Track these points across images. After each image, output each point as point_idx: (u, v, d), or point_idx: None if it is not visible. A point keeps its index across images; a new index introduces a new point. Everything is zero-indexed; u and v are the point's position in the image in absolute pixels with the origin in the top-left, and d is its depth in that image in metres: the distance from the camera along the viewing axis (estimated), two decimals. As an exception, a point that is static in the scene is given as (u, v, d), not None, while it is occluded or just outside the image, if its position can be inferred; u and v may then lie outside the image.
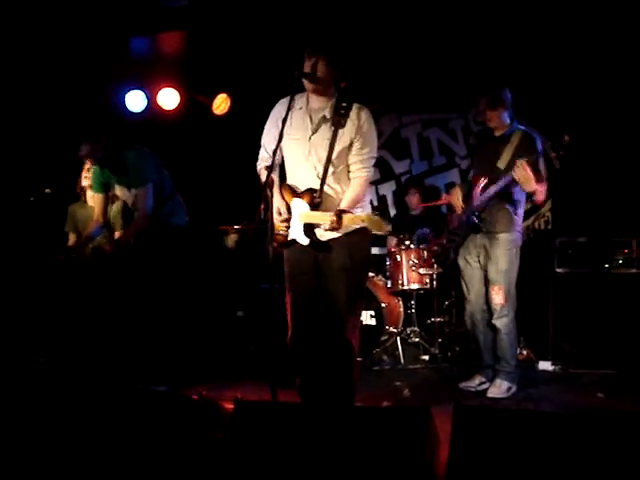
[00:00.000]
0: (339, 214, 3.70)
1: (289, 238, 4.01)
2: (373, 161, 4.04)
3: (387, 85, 7.43)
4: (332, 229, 3.75)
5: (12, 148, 6.71)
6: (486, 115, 5.12)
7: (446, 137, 7.85)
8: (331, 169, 3.93)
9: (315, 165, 3.95)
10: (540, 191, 4.92)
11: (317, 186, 3.93)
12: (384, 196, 8.09)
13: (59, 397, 3.53)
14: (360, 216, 3.76)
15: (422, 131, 7.95)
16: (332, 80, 3.96)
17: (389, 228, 3.85)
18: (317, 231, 3.89)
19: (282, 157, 4.10)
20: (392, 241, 7.17)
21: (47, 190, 5.82)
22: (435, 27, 6.64)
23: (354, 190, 3.96)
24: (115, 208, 5.64)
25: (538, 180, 4.85)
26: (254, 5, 6.39)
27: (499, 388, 5.03)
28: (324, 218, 3.77)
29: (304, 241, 3.93)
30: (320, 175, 3.93)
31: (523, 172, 4.74)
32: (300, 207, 3.95)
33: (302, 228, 3.93)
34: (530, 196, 5.10)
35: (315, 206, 3.90)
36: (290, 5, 6.38)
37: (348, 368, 4.08)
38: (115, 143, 5.23)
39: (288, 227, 4.00)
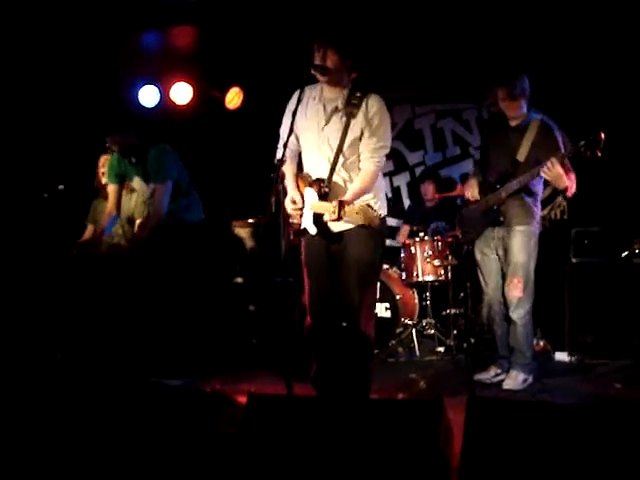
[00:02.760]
0: (339, 204, 3.67)
1: (302, 227, 4.03)
2: (384, 151, 4.01)
3: (400, 75, 7.39)
4: (334, 219, 3.73)
5: (25, 145, 6.74)
6: (505, 104, 5.00)
7: (460, 128, 7.81)
8: (342, 159, 3.94)
9: (328, 155, 3.97)
10: (571, 184, 4.84)
11: (327, 175, 3.94)
12: (398, 187, 8.07)
13: (74, 392, 3.54)
14: (354, 207, 3.72)
15: (436, 122, 7.92)
16: (344, 70, 3.94)
17: (378, 220, 3.81)
18: (328, 221, 3.89)
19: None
20: (404, 231, 7.16)
21: (60, 186, 5.83)
22: (449, 16, 6.61)
23: (361, 180, 3.96)
24: (134, 200, 5.63)
25: (567, 173, 4.78)
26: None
27: (515, 380, 5.00)
28: (327, 208, 3.76)
29: (312, 230, 3.95)
30: (331, 165, 3.94)
31: (555, 170, 4.66)
32: (310, 196, 3.97)
33: (311, 217, 3.93)
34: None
35: (323, 196, 3.90)
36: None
37: (363, 360, 4.09)
38: (142, 139, 5.24)
39: (301, 216, 4.02)
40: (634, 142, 6.45)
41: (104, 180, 5.82)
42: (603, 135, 4.55)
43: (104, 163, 5.82)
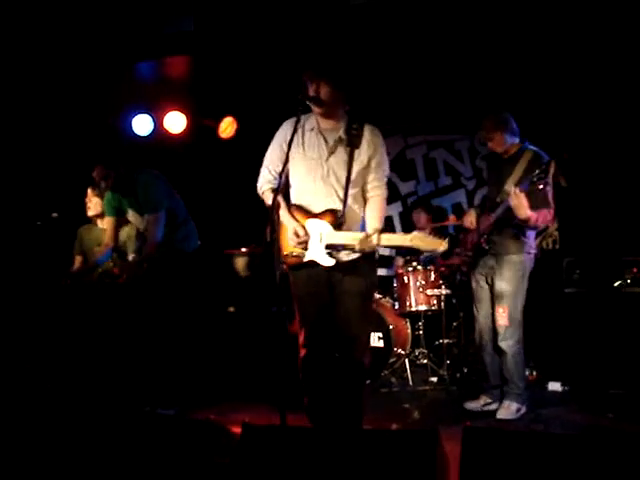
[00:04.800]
0: (377, 234, 3.74)
1: (306, 259, 3.99)
2: (386, 179, 4.09)
3: (392, 106, 7.45)
4: (366, 249, 3.77)
5: (19, 172, 6.75)
6: (487, 135, 5.13)
7: (452, 158, 7.86)
8: (351, 190, 3.95)
9: (334, 186, 3.97)
10: (538, 217, 4.87)
11: (337, 206, 3.93)
12: (391, 217, 8.09)
13: (66, 422, 3.51)
14: (406, 237, 3.76)
15: (428, 152, 7.97)
16: (339, 101, 3.98)
17: (445, 244, 3.82)
18: (342, 251, 3.90)
19: (287, 178, 4.12)
20: (399, 262, 7.17)
21: (54, 214, 5.84)
22: (440, 48, 6.67)
23: (377, 208, 4.02)
24: (126, 232, 5.67)
25: (535, 206, 4.83)
26: (259, 29, 6.43)
27: (508, 409, 5.00)
28: (355, 238, 3.78)
29: (328, 262, 3.92)
30: (341, 196, 3.94)
31: (515, 200, 4.74)
32: (320, 228, 3.93)
33: (324, 249, 3.91)
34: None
35: (338, 226, 3.90)
36: (295, 29, 6.42)
37: (359, 388, 4.08)
38: (129, 170, 5.23)
39: (305, 248, 3.99)
40: (624, 171, 6.49)
41: (90, 213, 5.88)
42: (566, 155, 4.67)
43: (91, 197, 5.86)
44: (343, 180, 3.94)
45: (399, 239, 3.98)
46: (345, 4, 6.21)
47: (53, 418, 3.66)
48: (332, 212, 3.93)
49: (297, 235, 3.95)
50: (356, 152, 3.94)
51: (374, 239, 3.74)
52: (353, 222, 3.99)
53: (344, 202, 3.93)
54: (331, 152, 3.98)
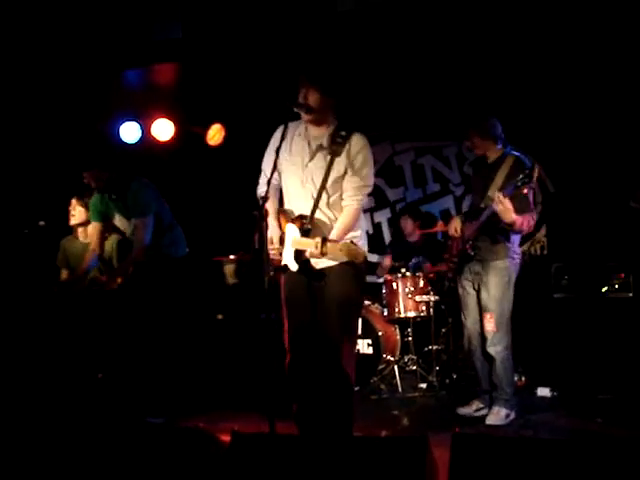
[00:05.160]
0: (323, 241, 3.68)
1: (282, 263, 4.00)
2: (367, 190, 4.03)
3: (380, 113, 7.46)
4: (316, 256, 3.73)
5: (6, 180, 6.72)
6: (470, 141, 5.20)
7: (440, 164, 7.87)
8: (325, 197, 3.95)
9: (312, 192, 3.97)
10: (522, 221, 4.91)
11: (310, 212, 3.94)
12: (379, 223, 8.11)
13: (54, 431, 3.50)
14: (337, 245, 3.72)
15: (416, 159, 7.99)
16: (327, 108, 3.97)
17: (363, 256, 3.81)
18: (310, 258, 3.88)
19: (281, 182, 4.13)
20: (386, 261, 7.16)
21: (41, 222, 5.82)
22: (427, 55, 6.69)
23: (345, 219, 3.97)
24: (110, 243, 5.64)
25: (520, 210, 4.86)
26: (247, 36, 6.44)
27: (497, 415, 5.01)
28: (310, 244, 3.75)
29: (293, 267, 3.92)
30: (314, 202, 3.94)
31: (500, 205, 4.76)
32: (292, 232, 3.95)
33: (293, 254, 3.92)
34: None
35: (305, 232, 3.89)
36: (283, 36, 6.42)
37: (345, 398, 4.04)
38: (120, 175, 5.22)
39: (281, 253, 3.99)
40: (611, 178, 6.53)
41: (73, 222, 5.85)
42: (537, 169, 4.68)
43: (75, 206, 5.84)
44: (319, 186, 3.94)
45: (335, 248, 3.90)
46: (333, 11, 6.23)
47: (41, 426, 3.64)
48: (301, 218, 3.94)
49: (270, 242, 3.96)
50: (336, 160, 3.92)
51: (322, 247, 3.68)
52: (323, 229, 3.96)
53: (313, 208, 3.93)
54: (311, 158, 3.98)
